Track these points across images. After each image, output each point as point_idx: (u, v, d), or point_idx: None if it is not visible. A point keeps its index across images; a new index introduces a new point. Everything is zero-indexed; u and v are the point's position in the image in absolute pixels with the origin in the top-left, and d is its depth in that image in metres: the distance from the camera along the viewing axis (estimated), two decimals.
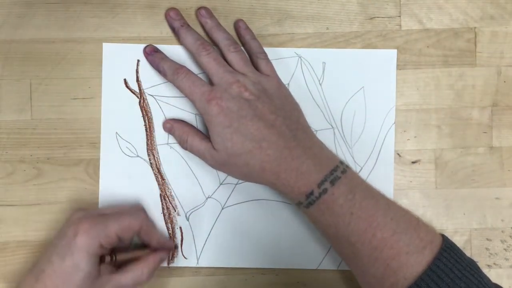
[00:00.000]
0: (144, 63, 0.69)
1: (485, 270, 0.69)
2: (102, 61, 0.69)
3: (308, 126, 0.65)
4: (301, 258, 0.69)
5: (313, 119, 0.69)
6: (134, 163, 0.69)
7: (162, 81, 0.69)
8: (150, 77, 0.69)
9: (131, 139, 0.69)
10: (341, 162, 0.62)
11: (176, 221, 0.69)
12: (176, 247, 0.69)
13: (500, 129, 0.70)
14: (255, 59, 0.67)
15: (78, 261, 0.59)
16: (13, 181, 0.69)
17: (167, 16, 0.69)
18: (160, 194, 0.69)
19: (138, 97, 0.69)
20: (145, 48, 0.69)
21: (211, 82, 0.65)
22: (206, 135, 0.67)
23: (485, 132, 0.70)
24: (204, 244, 0.69)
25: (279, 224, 0.69)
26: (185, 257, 0.69)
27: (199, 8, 0.68)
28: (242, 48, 0.68)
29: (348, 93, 0.70)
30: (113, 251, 0.64)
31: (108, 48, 0.69)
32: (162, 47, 0.69)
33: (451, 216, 0.70)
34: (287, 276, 0.69)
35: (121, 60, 0.69)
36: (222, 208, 0.69)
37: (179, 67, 0.66)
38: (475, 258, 0.69)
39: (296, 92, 0.68)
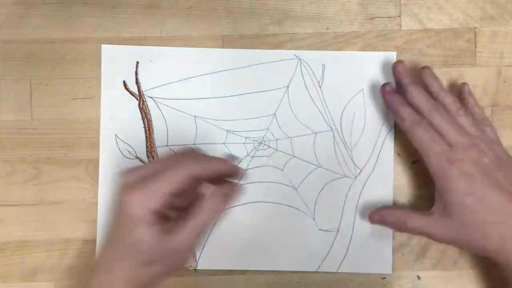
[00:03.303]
0: (143, 64, 0.69)
1: (486, 270, 0.69)
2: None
3: None
4: (301, 260, 0.69)
5: (313, 121, 0.69)
6: (134, 165, 0.68)
7: (162, 83, 0.69)
8: (149, 79, 0.69)
9: (131, 141, 0.69)
10: None
11: None
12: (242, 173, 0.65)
13: (500, 129, 0.69)
14: (480, 126, 0.65)
15: (138, 234, 0.54)
16: (13, 181, 0.69)
17: (394, 69, 0.67)
18: None
19: (137, 99, 0.69)
20: (384, 85, 0.66)
21: None
22: (417, 211, 0.65)
23: None
24: (203, 246, 0.69)
25: (278, 226, 0.69)
26: None
27: (423, 68, 0.67)
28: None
29: (348, 95, 0.69)
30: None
31: (107, 50, 0.69)
32: (161, 47, 0.69)
33: None
34: (287, 276, 0.69)
35: (120, 61, 0.69)
36: None
37: (421, 119, 0.63)
38: (475, 258, 0.69)
39: (296, 94, 0.69)
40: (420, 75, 0.67)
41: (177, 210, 0.58)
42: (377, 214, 0.66)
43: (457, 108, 0.64)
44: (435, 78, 0.66)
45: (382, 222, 0.66)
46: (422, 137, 0.62)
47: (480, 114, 0.66)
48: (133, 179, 0.56)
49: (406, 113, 0.64)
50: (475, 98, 0.67)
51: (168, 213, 0.57)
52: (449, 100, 0.64)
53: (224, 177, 0.62)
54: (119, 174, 0.57)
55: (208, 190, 0.60)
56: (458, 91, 0.68)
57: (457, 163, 0.60)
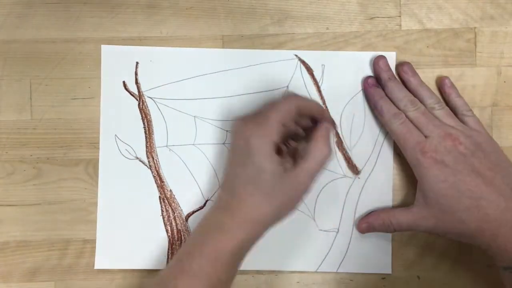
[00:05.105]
0: (143, 64, 0.69)
1: (486, 270, 0.69)
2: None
3: None
4: (300, 261, 0.69)
5: None
6: (133, 165, 0.69)
7: (161, 83, 0.69)
8: (149, 79, 0.69)
9: (130, 142, 0.69)
10: None
11: (175, 223, 0.69)
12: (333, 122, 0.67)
13: (500, 129, 0.70)
14: (462, 117, 0.66)
15: (259, 163, 0.58)
16: (13, 181, 0.69)
17: (375, 64, 0.68)
18: (159, 196, 0.69)
19: (137, 100, 0.69)
20: (367, 78, 0.68)
21: None
22: (397, 207, 0.68)
23: None
24: None
25: (278, 226, 0.69)
26: None
27: (402, 64, 0.68)
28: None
29: (348, 95, 0.69)
30: (285, 140, 0.64)
31: (106, 50, 0.69)
32: (161, 47, 0.69)
33: None
34: (287, 276, 0.69)
35: (120, 62, 0.69)
36: None
37: (399, 113, 0.65)
38: (475, 258, 0.69)
39: None
40: (399, 71, 0.68)
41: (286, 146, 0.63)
42: (363, 222, 0.68)
43: (433, 102, 0.66)
44: (414, 74, 0.68)
45: (371, 228, 0.68)
46: (398, 130, 0.65)
47: (462, 105, 0.67)
48: (244, 120, 0.61)
49: (385, 107, 0.66)
50: (456, 90, 0.68)
51: (282, 148, 0.62)
52: (425, 95, 0.67)
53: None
54: (236, 119, 0.62)
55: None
56: (440, 85, 0.69)
57: (430, 153, 0.62)
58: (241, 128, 0.60)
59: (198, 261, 0.57)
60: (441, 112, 0.65)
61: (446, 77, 0.69)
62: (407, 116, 0.65)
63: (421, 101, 0.66)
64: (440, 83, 0.69)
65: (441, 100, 0.67)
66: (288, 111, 0.60)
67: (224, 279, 0.59)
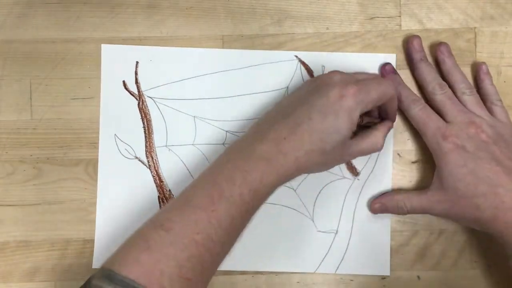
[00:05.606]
0: (143, 64, 0.69)
1: (486, 270, 0.69)
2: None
3: None
4: (299, 262, 0.69)
5: None
6: (133, 165, 0.69)
7: (161, 83, 0.69)
8: (149, 79, 0.69)
9: (130, 141, 0.69)
10: None
11: None
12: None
13: None
14: (490, 105, 0.66)
15: (340, 123, 0.59)
16: (13, 181, 0.69)
17: (409, 44, 0.68)
18: (158, 196, 0.69)
19: (137, 99, 0.69)
20: (384, 65, 0.69)
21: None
22: (413, 190, 0.68)
23: None
24: None
25: (277, 227, 0.69)
26: None
27: (440, 44, 0.68)
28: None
29: None
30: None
31: (106, 50, 0.69)
32: (161, 47, 0.69)
33: None
34: (287, 276, 0.69)
35: (120, 61, 0.69)
36: None
37: (417, 98, 0.66)
38: (475, 258, 0.69)
39: None
40: (436, 50, 0.68)
41: None
42: (377, 203, 0.68)
43: (464, 87, 0.66)
44: (450, 55, 0.68)
45: (383, 209, 0.68)
46: (418, 116, 0.65)
47: (493, 93, 0.67)
48: (347, 78, 0.61)
49: (403, 93, 0.66)
50: (490, 77, 0.68)
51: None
52: (458, 78, 0.67)
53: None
54: (332, 72, 0.62)
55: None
56: (476, 70, 0.69)
57: (451, 138, 0.62)
58: (339, 84, 0.60)
59: (239, 189, 0.57)
60: (471, 98, 0.65)
61: (483, 63, 0.68)
62: (433, 99, 0.65)
63: (453, 84, 0.66)
64: (477, 68, 0.68)
65: (473, 86, 0.67)
66: (386, 96, 0.61)
67: (257, 207, 0.60)
